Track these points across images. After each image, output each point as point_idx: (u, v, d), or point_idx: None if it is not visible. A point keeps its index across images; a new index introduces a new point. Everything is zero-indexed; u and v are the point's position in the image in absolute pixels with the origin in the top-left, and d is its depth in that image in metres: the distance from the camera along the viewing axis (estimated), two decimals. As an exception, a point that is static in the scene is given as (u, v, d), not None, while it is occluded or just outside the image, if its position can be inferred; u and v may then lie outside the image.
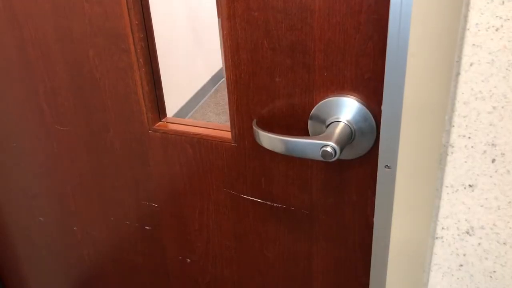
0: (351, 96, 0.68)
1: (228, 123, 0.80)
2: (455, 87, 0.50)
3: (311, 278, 0.88)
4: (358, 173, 0.74)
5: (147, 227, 0.98)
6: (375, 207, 0.72)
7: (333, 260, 0.84)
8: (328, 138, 0.65)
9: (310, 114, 0.71)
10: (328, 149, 0.63)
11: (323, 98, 0.70)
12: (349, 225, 0.79)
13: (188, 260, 0.98)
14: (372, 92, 0.67)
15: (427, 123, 0.64)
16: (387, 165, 0.70)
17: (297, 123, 0.73)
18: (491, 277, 0.57)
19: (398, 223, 0.71)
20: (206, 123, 0.85)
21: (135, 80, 0.82)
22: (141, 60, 0.80)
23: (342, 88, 0.68)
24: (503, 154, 0.50)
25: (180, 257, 0.99)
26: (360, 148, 0.71)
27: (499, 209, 0.53)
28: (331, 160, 0.64)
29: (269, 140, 0.69)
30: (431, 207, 0.60)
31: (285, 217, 0.83)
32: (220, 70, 4.09)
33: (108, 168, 0.95)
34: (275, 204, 0.82)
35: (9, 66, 0.92)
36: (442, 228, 0.57)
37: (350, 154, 0.72)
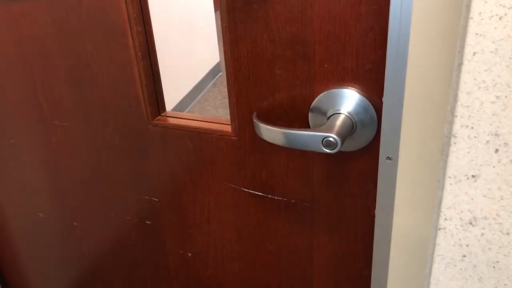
0: (351, 87, 0.68)
1: (227, 117, 0.79)
2: (458, 76, 0.50)
3: (312, 270, 0.88)
4: (359, 165, 0.74)
5: (148, 222, 0.98)
6: (377, 199, 0.72)
7: (334, 252, 0.84)
8: (329, 130, 0.65)
9: (311, 106, 0.71)
10: (330, 140, 0.63)
11: (324, 90, 0.69)
12: (351, 217, 0.79)
13: (189, 254, 0.98)
14: (373, 84, 0.67)
15: (429, 113, 0.64)
16: (388, 157, 0.70)
17: (297, 115, 0.73)
18: (494, 267, 0.57)
19: (400, 214, 0.71)
20: (206, 117, 0.85)
21: (134, 74, 0.81)
22: (139, 54, 0.79)
23: (342, 80, 0.68)
24: (507, 144, 0.50)
25: (181, 251, 0.99)
26: (361, 140, 0.70)
27: (502, 199, 0.53)
28: (332, 152, 0.64)
29: (270, 132, 0.69)
30: (434, 198, 0.60)
31: (286, 210, 0.83)
32: (218, 64, 4.08)
33: (108, 163, 0.94)
34: (276, 197, 0.82)
35: (7, 62, 0.91)
36: (445, 219, 0.57)
37: (351, 146, 0.71)
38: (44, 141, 0.98)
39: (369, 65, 0.66)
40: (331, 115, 0.69)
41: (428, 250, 0.63)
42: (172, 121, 0.85)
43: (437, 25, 0.58)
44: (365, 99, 0.67)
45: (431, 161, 0.66)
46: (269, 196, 0.83)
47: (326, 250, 0.84)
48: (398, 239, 0.74)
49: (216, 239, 0.93)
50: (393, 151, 0.69)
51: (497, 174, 0.52)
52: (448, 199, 0.55)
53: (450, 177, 0.54)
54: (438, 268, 0.60)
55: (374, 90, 0.67)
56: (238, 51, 0.71)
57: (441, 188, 0.56)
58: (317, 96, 0.70)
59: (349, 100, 0.68)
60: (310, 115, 0.72)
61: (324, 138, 0.64)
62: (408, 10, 0.60)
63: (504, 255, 0.56)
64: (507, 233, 0.55)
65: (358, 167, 0.74)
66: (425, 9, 0.58)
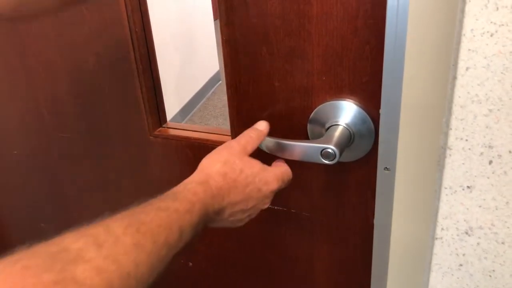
0: (349, 99, 0.69)
1: (227, 125, 0.80)
2: (452, 90, 0.51)
3: (313, 279, 0.89)
4: (357, 175, 0.75)
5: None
6: (375, 209, 0.73)
7: (334, 261, 0.85)
8: (327, 141, 0.66)
9: (309, 118, 0.72)
10: (329, 151, 0.64)
11: (322, 102, 0.71)
12: (350, 227, 0.80)
13: (190, 264, 0.99)
14: (370, 95, 0.68)
15: (425, 125, 0.65)
16: (386, 167, 0.71)
17: (296, 127, 0.74)
18: (490, 276, 0.58)
19: (398, 224, 0.72)
20: (207, 128, 0.86)
21: (135, 86, 0.82)
22: (141, 66, 0.81)
23: (340, 92, 0.69)
24: (500, 155, 0.51)
25: (182, 261, 0.99)
26: (359, 151, 0.72)
27: (496, 209, 0.54)
28: (331, 163, 0.65)
29: (269, 144, 0.70)
30: (430, 208, 0.61)
31: (286, 219, 0.84)
32: (217, 73, 4.10)
33: (110, 174, 0.96)
34: (275, 207, 0.83)
35: (10, 74, 0.93)
36: (442, 229, 0.58)
37: (349, 156, 0.73)
38: (46, 152, 0.99)
39: (366, 77, 0.67)
40: (330, 127, 0.70)
41: (426, 259, 0.64)
42: (173, 132, 0.86)
43: (431, 39, 0.60)
44: (362, 110, 0.69)
45: (427, 172, 0.67)
46: (269, 206, 0.84)
47: (326, 259, 0.85)
48: (397, 248, 0.75)
49: (217, 248, 0.94)
50: (391, 162, 0.70)
51: (492, 185, 0.53)
52: (444, 209, 0.57)
53: (446, 188, 0.55)
54: (435, 277, 0.62)
55: (371, 102, 0.68)
56: (238, 64, 0.73)
57: (438, 198, 0.57)
58: (315, 108, 0.71)
59: (346, 111, 0.70)
60: (308, 126, 0.73)
61: (323, 150, 0.65)
62: (404, 24, 0.61)
63: (500, 264, 0.57)
64: (502, 243, 0.56)
65: (357, 177, 0.75)
66: (420, 23, 0.60)
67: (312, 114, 0.72)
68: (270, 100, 0.74)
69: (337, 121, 0.70)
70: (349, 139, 0.69)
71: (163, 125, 0.88)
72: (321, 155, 0.65)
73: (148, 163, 0.90)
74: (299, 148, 0.67)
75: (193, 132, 0.85)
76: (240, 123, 0.77)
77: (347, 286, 0.87)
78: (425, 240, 0.66)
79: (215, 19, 3.87)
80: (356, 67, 0.67)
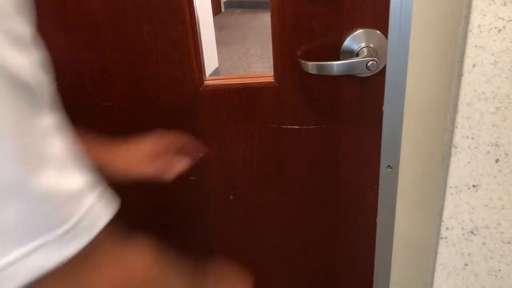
0: (371, 28, 0.78)
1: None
2: (458, 87, 0.50)
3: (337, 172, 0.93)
4: (375, 86, 0.81)
5: (192, 178, 1.01)
6: (378, 207, 0.72)
7: (357, 161, 0.88)
8: (368, 56, 0.77)
9: (342, 46, 0.80)
10: (373, 63, 0.75)
11: (351, 33, 0.80)
12: (374, 131, 0.84)
13: (231, 197, 1.03)
14: (385, 23, 0.75)
15: (429, 123, 0.64)
16: (389, 165, 0.70)
17: (331, 55, 0.81)
18: (496, 276, 0.57)
19: (402, 223, 0.71)
20: (246, 75, 0.93)
21: (189, 46, 0.89)
22: (194, 28, 0.88)
23: (364, 23, 0.79)
24: (507, 154, 0.50)
25: (223, 196, 1.03)
26: (380, 65, 0.79)
27: (503, 208, 0.53)
28: (373, 73, 0.76)
29: (322, 67, 0.80)
30: (435, 207, 0.60)
31: (319, 136, 0.91)
32: (216, 69, 4.08)
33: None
34: (310, 127, 0.91)
35: (57, 48, 0.92)
36: (447, 228, 0.57)
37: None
38: (89, 123, 0.98)
39: (381, 10, 0.75)
40: (359, 50, 0.80)
41: (430, 259, 0.63)
42: (218, 82, 0.94)
43: (436, 35, 0.59)
44: (380, 34, 0.77)
45: (432, 171, 0.66)
46: (304, 127, 0.93)
47: (351, 156, 0.90)
48: (400, 247, 0.74)
49: (257, 178, 0.99)
50: (394, 160, 0.69)
51: (498, 184, 0.52)
52: (449, 208, 0.56)
53: (451, 187, 0.54)
54: (440, 277, 0.61)
55: (386, 28, 0.75)
56: (283, 13, 0.81)
57: (442, 197, 0.56)
58: (346, 38, 0.80)
59: (370, 36, 0.79)
60: (341, 53, 0.81)
61: (368, 62, 0.76)
62: (408, 19, 0.61)
63: (506, 264, 0.56)
64: (509, 242, 0.55)
65: (374, 89, 0.81)
66: (424, 19, 0.59)
67: (344, 42, 0.80)
68: (309, 37, 0.81)
69: (363, 45, 0.79)
70: (375, 56, 0.78)
71: (206, 78, 0.95)
72: (369, 65, 0.76)
73: (196, 113, 0.96)
74: (349, 64, 0.77)
75: (237, 78, 0.92)
76: (282, 60, 0.84)
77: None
78: (429, 239, 0.65)
79: (214, 15, 3.85)
80: (375, 3, 0.75)
